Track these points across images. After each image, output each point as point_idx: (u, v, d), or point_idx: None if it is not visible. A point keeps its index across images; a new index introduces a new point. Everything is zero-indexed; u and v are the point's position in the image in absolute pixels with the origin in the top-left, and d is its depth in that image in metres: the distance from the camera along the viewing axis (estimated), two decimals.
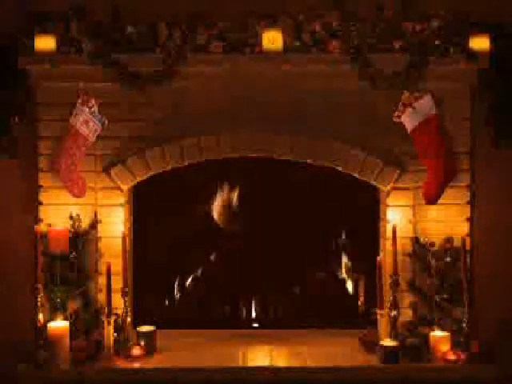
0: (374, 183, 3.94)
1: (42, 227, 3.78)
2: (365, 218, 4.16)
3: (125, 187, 3.92)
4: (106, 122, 3.77)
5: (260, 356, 3.80)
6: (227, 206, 4.37)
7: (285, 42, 3.67)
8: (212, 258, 4.40)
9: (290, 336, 4.05)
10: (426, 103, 3.72)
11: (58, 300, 3.72)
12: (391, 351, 3.61)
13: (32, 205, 3.89)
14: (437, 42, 3.69)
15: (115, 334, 3.68)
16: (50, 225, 3.81)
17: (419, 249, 3.85)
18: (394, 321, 3.74)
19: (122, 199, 3.92)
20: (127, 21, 3.72)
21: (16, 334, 3.86)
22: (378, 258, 3.77)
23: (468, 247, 3.83)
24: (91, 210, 3.88)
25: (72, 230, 3.81)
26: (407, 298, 3.88)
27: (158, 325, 3.86)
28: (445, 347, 3.63)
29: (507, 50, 3.76)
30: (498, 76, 3.78)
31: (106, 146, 3.88)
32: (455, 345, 3.66)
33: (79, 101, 3.72)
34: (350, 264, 4.35)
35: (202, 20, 3.71)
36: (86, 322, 3.78)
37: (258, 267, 4.25)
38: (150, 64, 3.70)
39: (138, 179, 3.92)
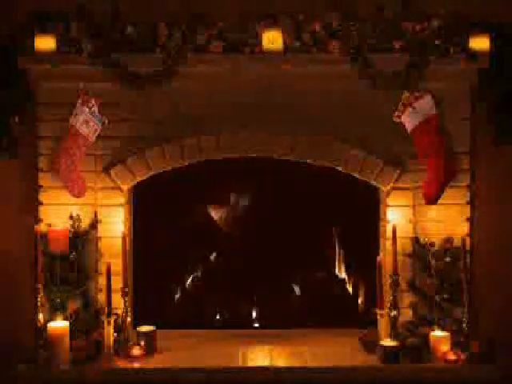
0: (374, 183, 3.94)
1: (42, 227, 3.78)
2: (365, 217, 4.16)
3: (125, 187, 3.93)
4: (106, 121, 3.77)
5: (260, 356, 3.79)
6: (227, 206, 4.38)
7: (285, 42, 3.67)
8: (212, 258, 4.40)
9: (290, 336, 4.05)
10: (425, 103, 3.72)
11: (58, 300, 3.73)
12: (391, 351, 3.61)
13: (32, 205, 3.89)
14: (437, 42, 3.69)
15: (115, 334, 3.68)
16: (50, 225, 3.81)
17: (419, 249, 3.85)
18: (394, 321, 3.74)
19: (122, 199, 3.92)
20: (127, 21, 3.72)
21: (16, 334, 3.86)
22: (378, 258, 3.77)
23: (468, 247, 3.83)
24: (91, 210, 3.88)
25: (72, 230, 3.81)
26: (407, 298, 3.88)
27: (157, 325, 3.87)
28: (445, 347, 3.63)
29: (507, 49, 3.76)
30: (497, 76, 3.78)
31: (105, 146, 3.88)
32: (455, 345, 3.66)
33: (79, 101, 3.72)
34: (349, 264, 4.35)
35: (201, 20, 3.70)
36: (86, 322, 3.78)
37: (257, 267, 4.25)
38: (150, 64, 3.70)
39: (138, 179, 3.92)
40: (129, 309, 3.79)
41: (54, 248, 3.74)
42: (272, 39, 3.64)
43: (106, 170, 3.88)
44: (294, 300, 4.34)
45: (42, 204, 3.88)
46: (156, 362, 3.68)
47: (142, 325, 3.86)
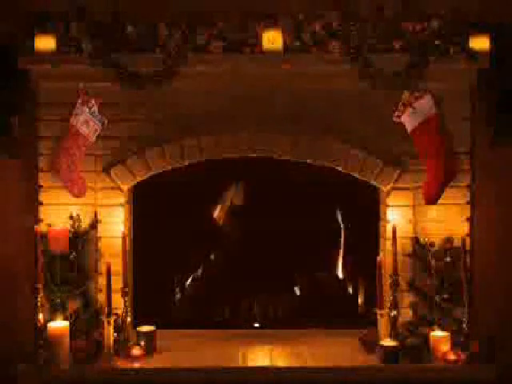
0: (374, 183, 3.94)
1: (41, 227, 3.78)
2: (365, 217, 4.16)
3: (125, 187, 3.93)
4: (106, 122, 3.77)
5: (260, 356, 3.79)
6: (227, 206, 4.38)
7: (285, 42, 3.67)
8: (212, 257, 4.40)
9: (289, 336, 4.05)
10: (425, 103, 3.72)
11: (58, 300, 3.73)
12: (391, 351, 3.61)
13: (32, 205, 3.89)
14: (437, 42, 3.69)
15: (115, 334, 3.68)
16: (49, 225, 3.81)
17: (419, 249, 3.84)
18: (394, 321, 3.74)
19: (122, 199, 3.92)
20: (127, 21, 3.72)
21: (16, 334, 3.86)
22: (378, 258, 3.77)
23: (468, 247, 3.83)
24: (91, 210, 3.88)
25: (72, 230, 3.81)
26: (407, 298, 3.88)
27: (157, 325, 3.87)
28: (445, 347, 3.63)
29: (507, 49, 3.76)
30: (497, 76, 3.78)
31: (106, 146, 3.88)
32: (455, 345, 3.66)
33: (79, 101, 3.72)
34: (349, 264, 4.35)
35: (201, 20, 3.71)
36: (86, 322, 3.78)
37: (258, 267, 4.25)
38: (150, 64, 3.70)
39: (138, 179, 3.92)
40: (129, 309, 3.79)
41: (54, 248, 3.74)
42: (272, 39, 3.64)
43: (106, 170, 3.88)
44: (294, 300, 4.34)
45: (42, 204, 3.88)
46: (156, 362, 3.68)
47: (141, 325, 3.86)
